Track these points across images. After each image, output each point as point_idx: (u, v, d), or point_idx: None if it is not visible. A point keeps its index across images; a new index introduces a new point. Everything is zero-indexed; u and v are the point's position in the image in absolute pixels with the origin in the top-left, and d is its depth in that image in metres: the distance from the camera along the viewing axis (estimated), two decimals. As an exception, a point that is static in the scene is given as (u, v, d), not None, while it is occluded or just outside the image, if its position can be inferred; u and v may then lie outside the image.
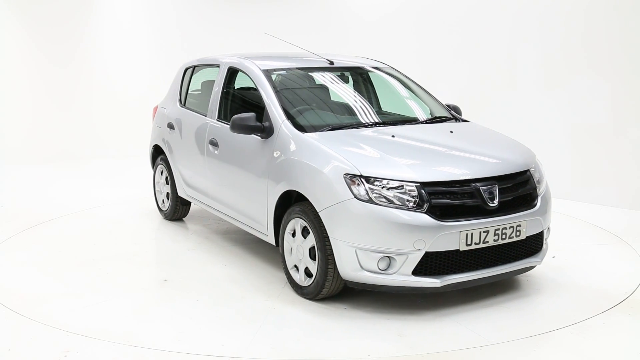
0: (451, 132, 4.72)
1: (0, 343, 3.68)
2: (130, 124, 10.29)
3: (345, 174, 3.95)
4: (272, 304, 4.27)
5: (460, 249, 3.88)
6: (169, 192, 6.22)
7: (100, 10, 10.13)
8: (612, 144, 7.06)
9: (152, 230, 6.15)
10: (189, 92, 6.17)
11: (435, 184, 3.91)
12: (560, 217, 6.54)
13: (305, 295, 4.31)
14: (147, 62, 10.48)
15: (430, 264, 3.88)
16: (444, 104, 5.40)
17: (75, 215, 6.62)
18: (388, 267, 3.87)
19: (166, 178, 6.28)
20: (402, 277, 3.86)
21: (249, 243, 5.56)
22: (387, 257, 3.84)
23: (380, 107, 5.59)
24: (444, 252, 3.87)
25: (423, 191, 3.85)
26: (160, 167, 6.42)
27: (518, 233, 4.08)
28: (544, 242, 4.42)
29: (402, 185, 3.86)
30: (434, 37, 8.77)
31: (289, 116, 4.63)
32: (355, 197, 3.87)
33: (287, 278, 4.49)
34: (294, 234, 4.37)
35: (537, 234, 4.26)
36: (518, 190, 4.17)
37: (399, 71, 5.69)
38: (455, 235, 3.84)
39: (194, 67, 6.18)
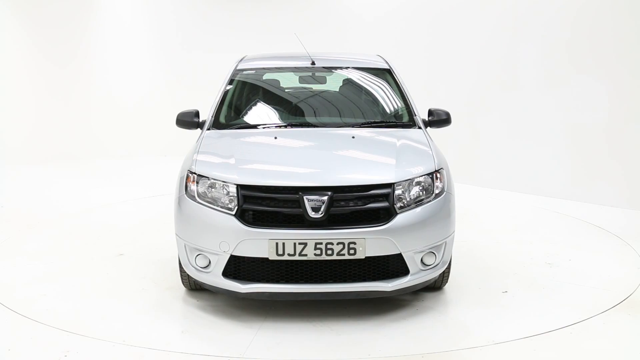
0: (353, 137, 4.43)
1: (0, 343, 3.68)
2: (130, 124, 10.31)
3: (188, 171, 4.08)
4: (155, 288, 4.50)
5: (270, 258, 3.71)
6: None
7: (100, 11, 10.13)
8: (611, 144, 7.06)
9: (160, 224, 6.15)
10: None
11: (252, 188, 3.80)
12: (561, 217, 6.55)
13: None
14: (147, 63, 10.48)
15: (240, 268, 3.82)
16: (415, 109, 4.88)
17: (74, 215, 6.62)
18: (207, 265, 3.89)
19: None
20: (215, 277, 3.86)
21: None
22: (206, 256, 3.87)
23: (328, 109, 5.21)
24: (253, 258, 3.75)
25: (239, 194, 3.79)
26: None
27: (352, 251, 3.68)
28: (419, 267, 3.89)
29: (224, 186, 3.86)
30: (433, 36, 8.77)
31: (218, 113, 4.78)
32: (186, 194, 3.99)
33: None
34: None
35: (390, 256, 3.78)
36: (366, 204, 3.77)
37: (390, 71, 5.25)
38: (263, 243, 3.69)
39: None
